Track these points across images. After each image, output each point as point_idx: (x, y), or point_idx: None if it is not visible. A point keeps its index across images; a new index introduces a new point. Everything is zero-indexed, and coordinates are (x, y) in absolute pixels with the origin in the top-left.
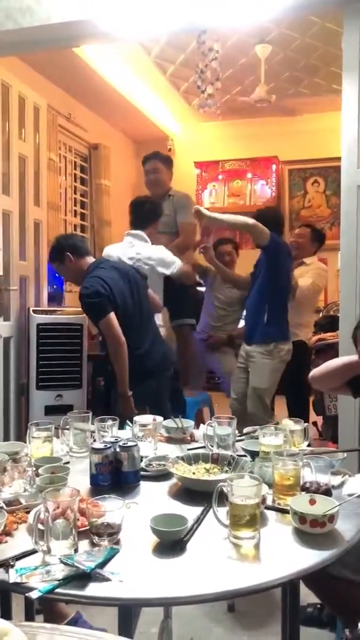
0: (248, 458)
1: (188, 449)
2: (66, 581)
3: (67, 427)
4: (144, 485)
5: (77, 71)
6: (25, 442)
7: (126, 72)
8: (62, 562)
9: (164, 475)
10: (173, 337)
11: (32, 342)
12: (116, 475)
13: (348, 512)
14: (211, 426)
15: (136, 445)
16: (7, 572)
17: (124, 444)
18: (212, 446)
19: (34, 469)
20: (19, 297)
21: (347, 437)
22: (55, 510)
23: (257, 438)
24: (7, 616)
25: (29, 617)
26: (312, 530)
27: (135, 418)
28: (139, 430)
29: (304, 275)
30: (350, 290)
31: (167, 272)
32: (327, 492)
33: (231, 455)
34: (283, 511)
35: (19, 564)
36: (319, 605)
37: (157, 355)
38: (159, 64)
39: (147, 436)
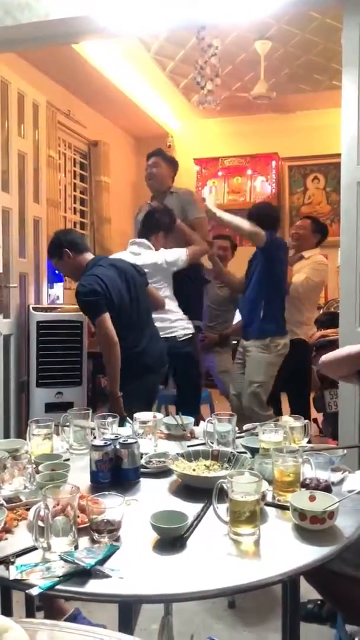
0: (248, 455)
1: (188, 446)
2: (66, 578)
3: (67, 424)
4: (144, 482)
5: (77, 68)
6: (25, 440)
7: (126, 68)
8: (62, 559)
9: (164, 472)
10: None
11: (32, 340)
12: (116, 472)
13: (348, 508)
14: (211, 423)
15: (136, 442)
16: (7, 569)
17: (124, 441)
18: (212, 443)
19: (34, 466)
20: (18, 295)
21: (347, 433)
22: (55, 507)
23: (257, 435)
24: (8, 613)
25: (30, 613)
26: (312, 527)
27: (136, 415)
28: (139, 427)
29: (301, 271)
30: (350, 286)
31: (180, 266)
32: (327, 488)
33: (231, 452)
34: (283, 508)
35: (19, 561)
36: (319, 602)
37: (155, 352)
38: (158, 60)
39: (147, 433)
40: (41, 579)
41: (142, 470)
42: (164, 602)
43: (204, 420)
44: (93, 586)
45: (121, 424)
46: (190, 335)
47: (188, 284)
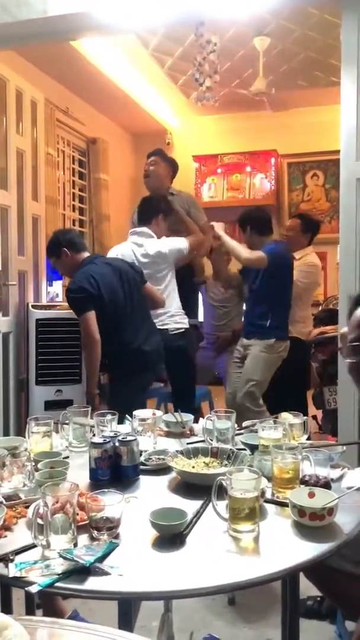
0: (247, 452)
1: (187, 443)
2: (65, 575)
3: (67, 421)
4: (143, 479)
5: (75, 65)
6: (24, 437)
7: (124, 65)
8: (61, 556)
9: (163, 469)
10: None
11: (31, 338)
12: (115, 470)
13: (347, 505)
14: (210, 420)
15: (135, 439)
16: (6, 566)
17: (123, 438)
18: (212, 440)
19: (33, 463)
20: (17, 292)
21: (346, 430)
22: (54, 505)
23: (257, 432)
24: (8, 610)
25: (30, 611)
26: (311, 523)
27: (135, 412)
28: (138, 424)
29: None
30: (349, 283)
31: (182, 255)
32: (326, 485)
33: (230, 449)
34: (282, 504)
35: (19, 559)
36: (318, 598)
37: (152, 349)
38: (156, 57)
39: (146, 430)
40: (40, 577)
41: (141, 467)
42: (163, 599)
43: (203, 417)
44: (92, 583)
45: (120, 421)
46: (184, 330)
47: (182, 284)
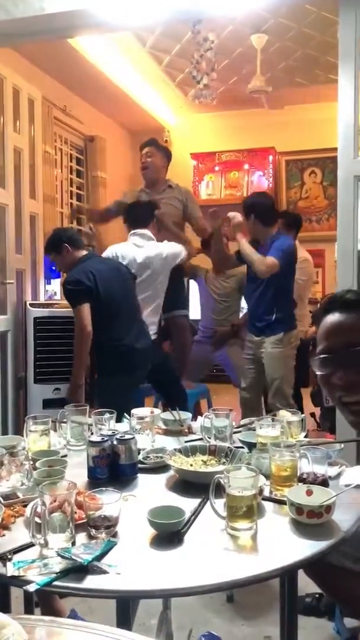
0: (245, 450)
1: (185, 441)
2: (63, 574)
3: (65, 420)
4: (141, 477)
5: (73, 63)
6: (22, 436)
7: (122, 63)
8: (59, 555)
9: (161, 468)
10: None
11: (29, 336)
12: (113, 468)
13: (345, 502)
14: (208, 418)
15: (133, 438)
16: (4, 565)
17: (121, 436)
18: (210, 438)
19: (31, 462)
20: (15, 291)
21: (344, 428)
22: (52, 504)
23: (255, 429)
24: (6, 609)
25: (28, 610)
26: (309, 521)
27: (133, 411)
28: (136, 423)
29: None
30: (347, 281)
31: (180, 261)
32: (324, 483)
33: (228, 447)
34: (280, 502)
35: (17, 557)
36: (317, 595)
37: (142, 347)
38: (154, 54)
39: (144, 429)
40: (38, 575)
41: (139, 465)
42: (161, 597)
43: (201, 415)
44: (90, 582)
45: (118, 420)
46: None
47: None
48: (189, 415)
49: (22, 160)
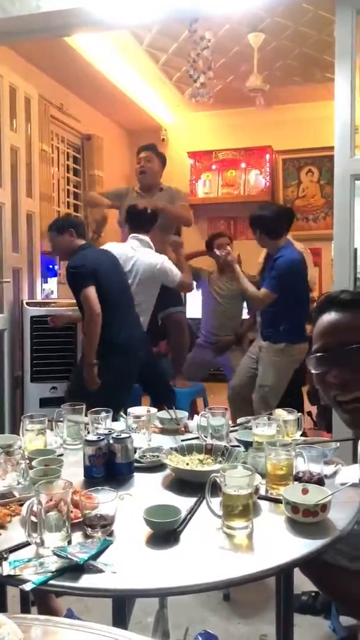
0: (241, 448)
1: (182, 440)
2: (59, 573)
3: (61, 419)
4: (137, 476)
5: (69, 61)
6: (19, 435)
7: (119, 61)
8: (55, 554)
9: (157, 467)
10: None
11: (26, 335)
12: (110, 467)
13: (340, 501)
14: (205, 417)
15: (129, 436)
16: (0, 564)
17: (118, 435)
18: (206, 437)
19: (28, 461)
20: (12, 290)
21: (341, 426)
22: (48, 503)
23: (251, 428)
24: (2, 608)
25: (25, 609)
26: (304, 520)
27: (129, 410)
28: (132, 421)
29: None
30: (343, 280)
31: (169, 284)
32: (320, 481)
33: (225, 446)
34: (276, 501)
35: (12, 557)
36: (313, 593)
37: (135, 335)
38: (151, 53)
39: (141, 428)
40: (34, 575)
41: (135, 464)
42: (157, 596)
43: (197, 413)
44: (86, 581)
45: (115, 418)
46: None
47: None
48: (185, 414)
49: (18, 159)
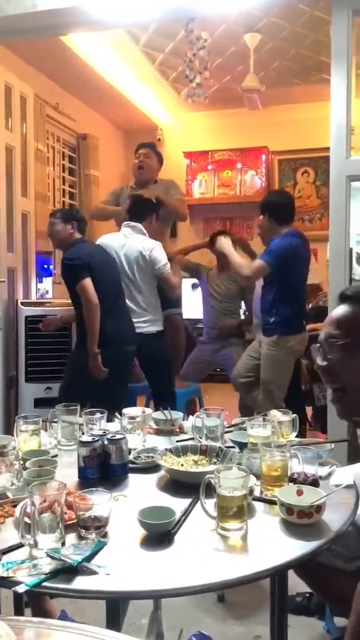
0: (236, 449)
1: (177, 441)
2: (53, 575)
3: (55, 420)
4: (132, 477)
5: (65, 60)
6: (13, 436)
7: (115, 61)
8: (48, 555)
9: (152, 468)
10: None
11: (20, 335)
12: (104, 468)
13: (335, 502)
14: (200, 418)
15: (124, 437)
16: None
17: (112, 436)
18: (201, 438)
19: (21, 462)
20: (6, 290)
21: (336, 427)
22: (42, 504)
23: (246, 429)
24: None
25: (19, 611)
26: (299, 521)
27: (124, 410)
28: (127, 422)
29: None
30: (339, 280)
31: (159, 270)
32: (315, 483)
33: (219, 447)
34: (270, 502)
35: (6, 558)
36: (307, 594)
37: (125, 329)
38: (147, 53)
39: (135, 428)
40: (28, 576)
41: (130, 465)
42: (151, 598)
43: (192, 414)
44: (80, 583)
45: (109, 419)
46: (156, 332)
47: None
48: (180, 414)
49: (14, 158)
